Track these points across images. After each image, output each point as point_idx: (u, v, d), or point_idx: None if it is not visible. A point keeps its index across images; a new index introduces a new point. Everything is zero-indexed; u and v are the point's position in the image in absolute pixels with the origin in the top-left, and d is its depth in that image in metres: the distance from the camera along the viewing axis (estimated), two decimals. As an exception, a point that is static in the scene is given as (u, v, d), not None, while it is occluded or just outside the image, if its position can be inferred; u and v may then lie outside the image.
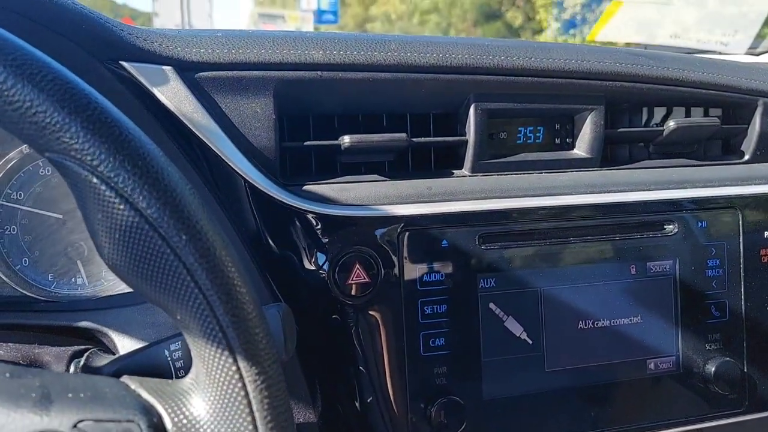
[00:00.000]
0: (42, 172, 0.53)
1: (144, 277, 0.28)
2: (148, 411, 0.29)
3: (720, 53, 0.96)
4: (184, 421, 0.29)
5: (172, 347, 0.42)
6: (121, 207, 0.27)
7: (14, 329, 0.51)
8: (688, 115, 0.64)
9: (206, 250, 0.28)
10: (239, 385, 0.28)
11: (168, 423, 0.29)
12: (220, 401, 0.28)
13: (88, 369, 0.44)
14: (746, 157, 0.64)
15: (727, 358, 0.58)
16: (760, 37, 1.02)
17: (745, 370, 0.59)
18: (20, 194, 0.53)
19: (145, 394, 0.30)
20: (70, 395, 0.28)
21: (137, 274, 0.28)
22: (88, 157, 0.26)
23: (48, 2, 0.45)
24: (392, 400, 0.52)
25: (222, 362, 0.28)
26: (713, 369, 0.57)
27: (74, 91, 0.27)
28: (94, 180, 0.27)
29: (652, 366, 0.57)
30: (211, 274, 0.28)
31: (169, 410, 0.29)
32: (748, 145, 0.64)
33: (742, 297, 0.59)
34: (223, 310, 0.28)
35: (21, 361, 0.48)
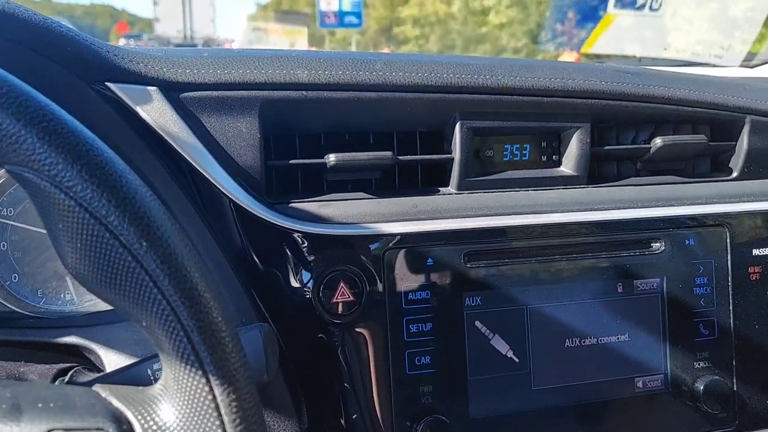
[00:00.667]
0: (31, 189, 0.54)
1: (108, 285, 0.28)
2: (118, 418, 0.29)
3: (714, 66, 0.96)
4: (154, 428, 0.29)
5: (155, 366, 0.42)
6: (81, 216, 0.27)
7: (1, 346, 0.51)
8: (675, 132, 0.64)
9: (167, 256, 0.28)
10: (206, 389, 0.28)
11: (138, 429, 0.29)
12: (189, 406, 0.28)
13: (71, 387, 0.45)
14: (734, 174, 0.64)
15: (716, 377, 0.57)
16: (754, 50, 1.02)
17: (735, 388, 0.59)
18: (10, 210, 0.54)
19: (115, 402, 0.30)
20: (40, 405, 0.28)
21: (101, 282, 0.28)
22: (46, 168, 0.27)
23: (33, 25, 0.46)
24: (378, 418, 0.52)
25: (188, 367, 0.28)
26: (702, 387, 0.57)
27: (29, 102, 0.27)
28: (53, 190, 0.27)
29: (640, 384, 0.57)
30: (173, 280, 0.28)
31: (139, 417, 0.29)
32: (736, 162, 0.64)
33: (731, 315, 0.59)
34: (188, 315, 0.28)
35: (5, 379, 0.48)
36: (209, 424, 0.28)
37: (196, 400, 0.28)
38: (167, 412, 0.29)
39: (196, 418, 0.28)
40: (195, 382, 0.28)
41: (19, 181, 0.28)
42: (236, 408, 0.28)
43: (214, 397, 0.28)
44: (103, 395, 0.30)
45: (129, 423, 0.29)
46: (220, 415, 0.28)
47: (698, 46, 0.96)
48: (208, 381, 0.28)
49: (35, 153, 0.27)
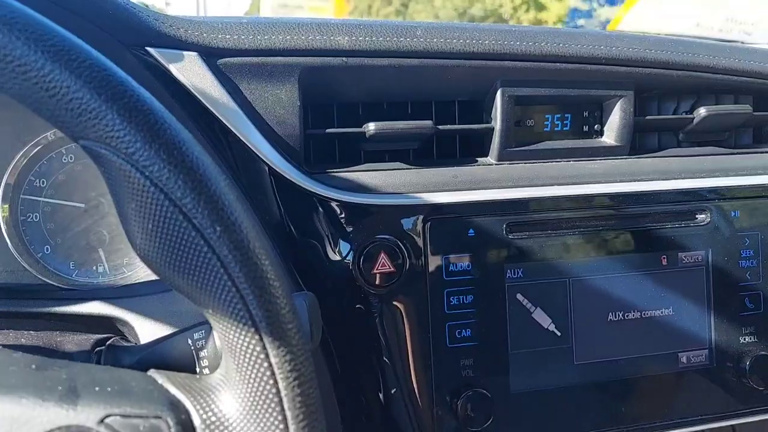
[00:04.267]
0: (65, 159, 0.53)
1: (176, 268, 0.27)
2: (176, 407, 0.28)
3: (743, 43, 0.95)
4: (213, 419, 0.28)
5: (195, 336, 0.41)
6: (156, 197, 0.26)
7: (36, 317, 0.51)
8: (717, 103, 0.62)
9: (241, 243, 0.27)
10: (271, 381, 0.27)
11: (196, 420, 0.28)
12: (251, 398, 0.28)
13: (111, 357, 0.44)
14: (779, 146, 0.63)
15: (763, 352, 0.56)
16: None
17: (781, 364, 0.57)
18: (43, 181, 0.53)
19: (173, 389, 0.29)
20: (97, 389, 0.28)
21: (170, 265, 0.27)
22: (124, 146, 0.26)
23: (75, -14, 0.45)
24: (417, 392, 0.51)
25: (254, 358, 0.27)
26: (748, 363, 0.55)
27: (111, 78, 0.26)
28: (129, 168, 0.26)
29: (684, 360, 0.56)
30: (245, 268, 0.27)
31: (198, 407, 0.28)
32: (781, 134, 0.63)
33: (777, 289, 0.58)
34: (257, 305, 0.27)
35: (43, 347, 0.47)
36: (271, 419, 0.27)
37: (258, 392, 0.28)
38: (227, 402, 0.28)
39: (257, 411, 0.28)
40: (259, 375, 0.27)
41: (93, 157, 0.27)
42: (300, 404, 0.28)
43: (278, 391, 0.27)
44: (160, 381, 0.30)
45: (187, 412, 0.28)
46: (283, 410, 0.28)
47: (727, 23, 0.95)
48: (273, 374, 0.27)
49: (114, 130, 0.26)
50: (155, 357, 0.41)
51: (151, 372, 0.31)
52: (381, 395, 0.51)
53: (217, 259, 0.27)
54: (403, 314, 0.51)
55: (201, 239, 0.27)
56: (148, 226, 0.27)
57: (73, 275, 0.54)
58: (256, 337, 0.27)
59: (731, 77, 0.60)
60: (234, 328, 0.27)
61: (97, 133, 0.26)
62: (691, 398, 0.56)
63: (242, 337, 0.27)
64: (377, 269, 0.50)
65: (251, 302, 0.27)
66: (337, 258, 0.51)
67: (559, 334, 0.53)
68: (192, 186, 0.27)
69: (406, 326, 0.51)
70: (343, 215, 0.51)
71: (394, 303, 0.51)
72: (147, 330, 0.51)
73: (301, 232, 0.52)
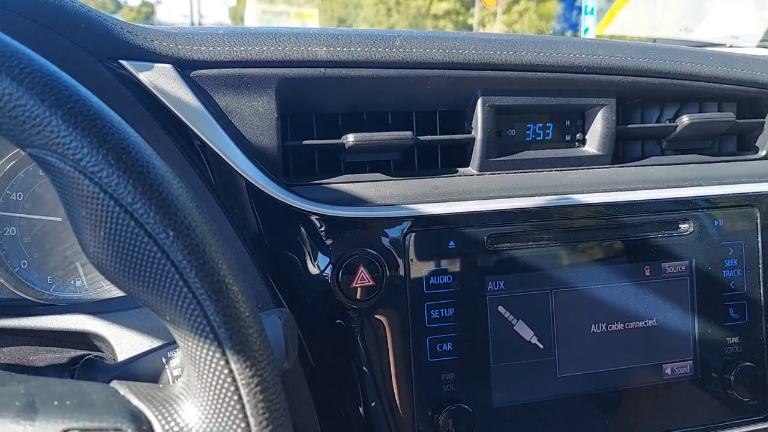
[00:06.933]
0: (42, 173, 0.52)
1: (131, 276, 0.27)
2: (137, 418, 0.27)
3: (731, 46, 0.95)
4: (175, 428, 0.27)
5: (170, 354, 0.41)
6: (105, 203, 0.26)
7: (10, 333, 0.50)
8: (701, 110, 0.62)
9: (195, 247, 0.27)
10: (232, 388, 0.27)
11: (158, 430, 0.27)
12: (213, 406, 0.27)
13: (85, 375, 0.43)
14: (762, 153, 0.62)
15: (748, 363, 0.55)
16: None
17: (767, 374, 0.57)
18: (20, 195, 0.52)
19: (134, 400, 0.28)
20: (56, 403, 0.27)
21: (124, 273, 0.27)
22: (70, 152, 0.25)
23: (46, 1, 0.44)
24: (398, 407, 0.50)
25: (214, 364, 0.27)
26: (733, 374, 0.55)
27: (54, 83, 0.26)
28: (77, 175, 0.25)
29: (668, 371, 0.55)
30: (201, 272, 0.26)
31: (159, 417, 0.28)
32: (765, 141, 0.62)
33: (762, 298, 0.57)
34: (215, 309, 0.26)
35: (15, 364, 0.47)
36: (234, 427, 0.27)
37: (220, 400, 0.27)
38: (189, 412, 0.28)
39: (220, 419, 0.27)
40: (220, 381, 0.27)
41: (41, 165, 0.26)
42: (263, 410, 0.27)
43: (240, 398, 0.27)
44: (122, 393, 0.29)
45: (149, 423, 0.28)
46: (246, 416, 0.27)
47: (714, 27, 0.94)
48: (234, 380, 0.27)
49: (59, 136, 0.25)
50: (128, 375, 0.40)
51: (113, 383, 0.30)
52: (361, 410, 0.51)
53: (172, 265, 0.26)
54: (384, 328, 0.50)
55: (154, 245, 0.26)
56: (100, 234, 0.26)
57: (51, 290, 0.53)
58: (216, 343, 0.26)
59: (714, 85, 0.59)
60: (192, 334, 0.27)
61: (43, 140, 0.25)
62: (676, 410, 0.55)
63: (201, 344, 0.27)
64: (357, 283, 0.49)
65: (209, 308, 0.26)
66: (316, 272, 0.50)
67: (541, 346, 0.52)
68: (142, 190, 0.26)
69: (387, 340, 0.50)
70: (322, 228, 0.50)
71: (375, 317, 0.50)
72: (124, 346, 0.50)
73: (279, 246, 0.51)
